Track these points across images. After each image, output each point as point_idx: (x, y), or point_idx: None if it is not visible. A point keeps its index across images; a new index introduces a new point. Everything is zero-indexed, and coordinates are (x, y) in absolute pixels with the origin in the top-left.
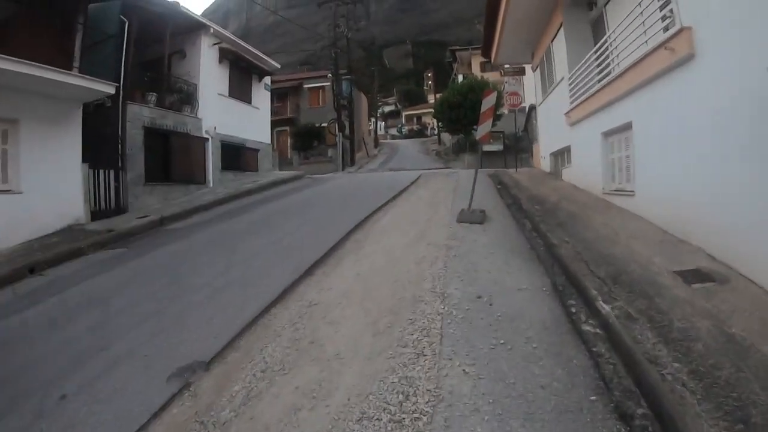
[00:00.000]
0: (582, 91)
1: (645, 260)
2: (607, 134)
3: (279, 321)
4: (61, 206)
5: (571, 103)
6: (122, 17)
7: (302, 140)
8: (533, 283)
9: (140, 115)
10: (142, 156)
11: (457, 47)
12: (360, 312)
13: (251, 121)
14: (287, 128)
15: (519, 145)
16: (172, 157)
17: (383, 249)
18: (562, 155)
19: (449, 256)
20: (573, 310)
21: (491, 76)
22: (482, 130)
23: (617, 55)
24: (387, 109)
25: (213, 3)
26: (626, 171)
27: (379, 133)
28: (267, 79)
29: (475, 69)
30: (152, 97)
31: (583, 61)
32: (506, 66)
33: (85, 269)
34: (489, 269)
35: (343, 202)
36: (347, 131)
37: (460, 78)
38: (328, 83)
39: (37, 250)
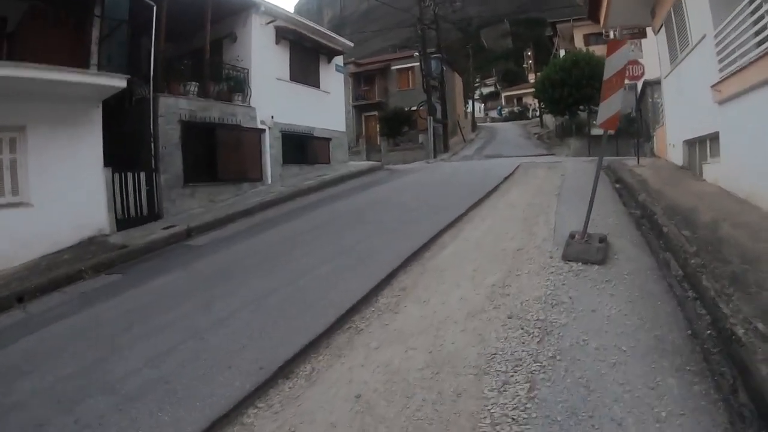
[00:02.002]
0: (741, 51)
1: None
2: None
3: None
4: (79, 217)
5: (721, 71)
6: (150, 2)
7: (390, 126)
8: None
9: (175, 108)
10: (179, 154)
11: (558, 19)
12: None
13: (320, 107)
14: (375, 113)
15: (632, 128)
16: (218, 154)
17: (430, 321)
18: (703, 144)
19: (543, 359)
20: None
21: (598, 50)
22: (606, 109)
23: None
24: (486, 90)
25: None
26: None
27: (478, 115)
28: (338, 60)
29: (578, 43)
30: (192, 87)
31: (740, 7)
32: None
33: (61, 306)
34: (621, 413)
35: (408, 209)
36: (439, 114)
37: (562, 53)
38: (418, 63)
39: (38, 272)
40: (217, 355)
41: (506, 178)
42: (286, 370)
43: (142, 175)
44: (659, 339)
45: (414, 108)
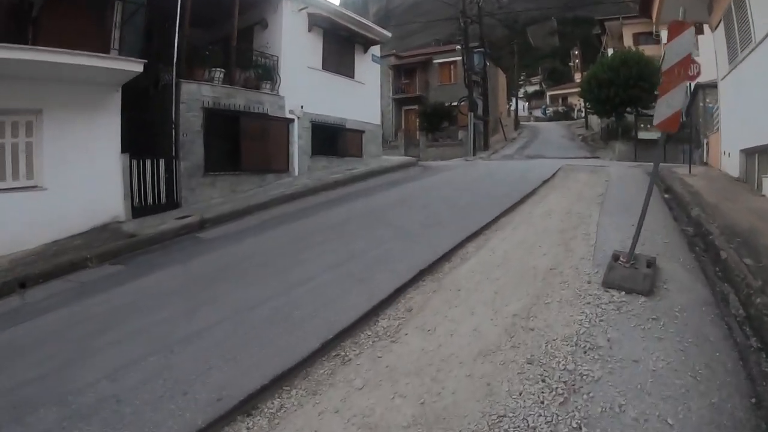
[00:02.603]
0: None
1: None
2: None
3: None
4: (95, 203)
5: None
6: None
7: (430, 121)
8: None
9: (198, 94)
10: (200, 142)
11: (606, 17)
12: None
13: (354, 99)
14: (416, 107)
15: (682, 132)
16: (242, 143)
17: (431, 358)
18: (763, 155)
19: (564, 430)
20: None
21: (648, 50)
22: (665, 106)
23: None
24: (531, 89)
25: None
26: None
27: (521, 114)
28: (375, 50)
29: (627, 42)
30: (218, 73)
31: None
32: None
33: (57, 295)
34: None
35: (435, 211)
36: (480, 111)
37: (610, 52)
38: (460, 58)
39: (46, 258)
40: (179, 374)
41: (545, 182)
42: (249, 404)
43: (162, 162)
44: (715, 408)
45: (455, 103)
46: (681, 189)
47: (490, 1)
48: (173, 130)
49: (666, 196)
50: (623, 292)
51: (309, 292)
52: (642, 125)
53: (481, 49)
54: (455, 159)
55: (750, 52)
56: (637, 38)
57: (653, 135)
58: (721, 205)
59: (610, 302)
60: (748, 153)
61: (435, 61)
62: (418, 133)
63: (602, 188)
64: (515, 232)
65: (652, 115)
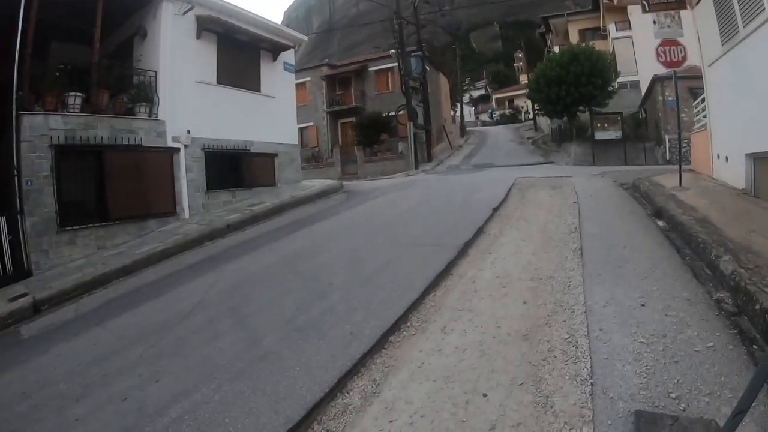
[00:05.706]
0: None
1: None
2: None
3: None
4: None
5: None
6: None
7: (366, 133)
8: None
9: (45, 128)
10: (51, 190)
11: (551, 14)
12: None
13: (261, 116)
14: (353, 119)
15: (638, 132)
16: (109, 185)
17: None
18: None
19: None
20: None
21: (598, 44)
22: None
23: None
24: (476, 93)
25: (294, 1)
26: None
27: (468, 119)
28: (287, 56)
29: (573, 38)
30: (74, 99)
31: None
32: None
33: None
34: None
35: (323, 288)
36: (421, 120)
37: (556, 50)
38: (397, 63)
39: None
40: None
41: (496, 209)
42: None
43: (3, 220)
44: None
45: (392, 113)
46: (679, 212)
47: (431, 9)
48: (15, 178)
49: (661, 224)
50: None
51: None
52: (598, 125)
53: (419, 53)
54: (396, 174)
55: (760, 26)
56: (584, 34)
57: (611, 135)
58: (756, 245)
59: None
60: (760, 158)
61: (371, 69)
62: (355, 147)
63: (573, 216)
64: (443, 343)
65: (609, 114)
